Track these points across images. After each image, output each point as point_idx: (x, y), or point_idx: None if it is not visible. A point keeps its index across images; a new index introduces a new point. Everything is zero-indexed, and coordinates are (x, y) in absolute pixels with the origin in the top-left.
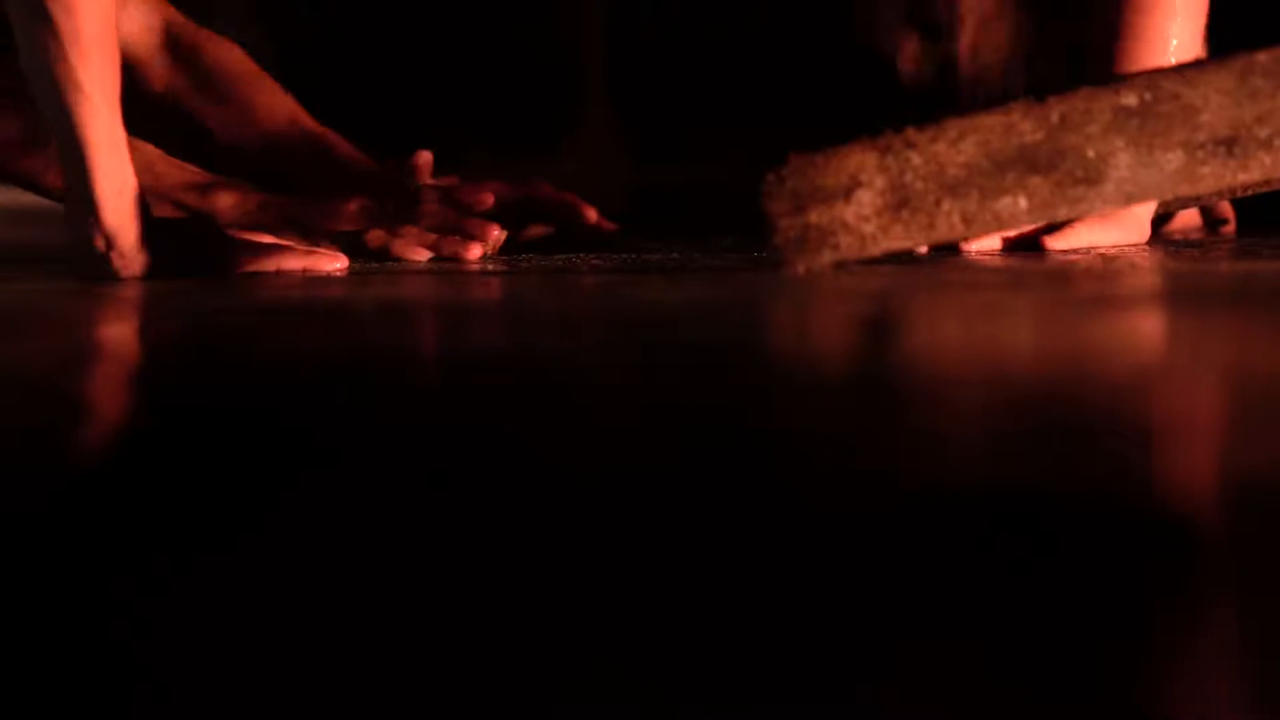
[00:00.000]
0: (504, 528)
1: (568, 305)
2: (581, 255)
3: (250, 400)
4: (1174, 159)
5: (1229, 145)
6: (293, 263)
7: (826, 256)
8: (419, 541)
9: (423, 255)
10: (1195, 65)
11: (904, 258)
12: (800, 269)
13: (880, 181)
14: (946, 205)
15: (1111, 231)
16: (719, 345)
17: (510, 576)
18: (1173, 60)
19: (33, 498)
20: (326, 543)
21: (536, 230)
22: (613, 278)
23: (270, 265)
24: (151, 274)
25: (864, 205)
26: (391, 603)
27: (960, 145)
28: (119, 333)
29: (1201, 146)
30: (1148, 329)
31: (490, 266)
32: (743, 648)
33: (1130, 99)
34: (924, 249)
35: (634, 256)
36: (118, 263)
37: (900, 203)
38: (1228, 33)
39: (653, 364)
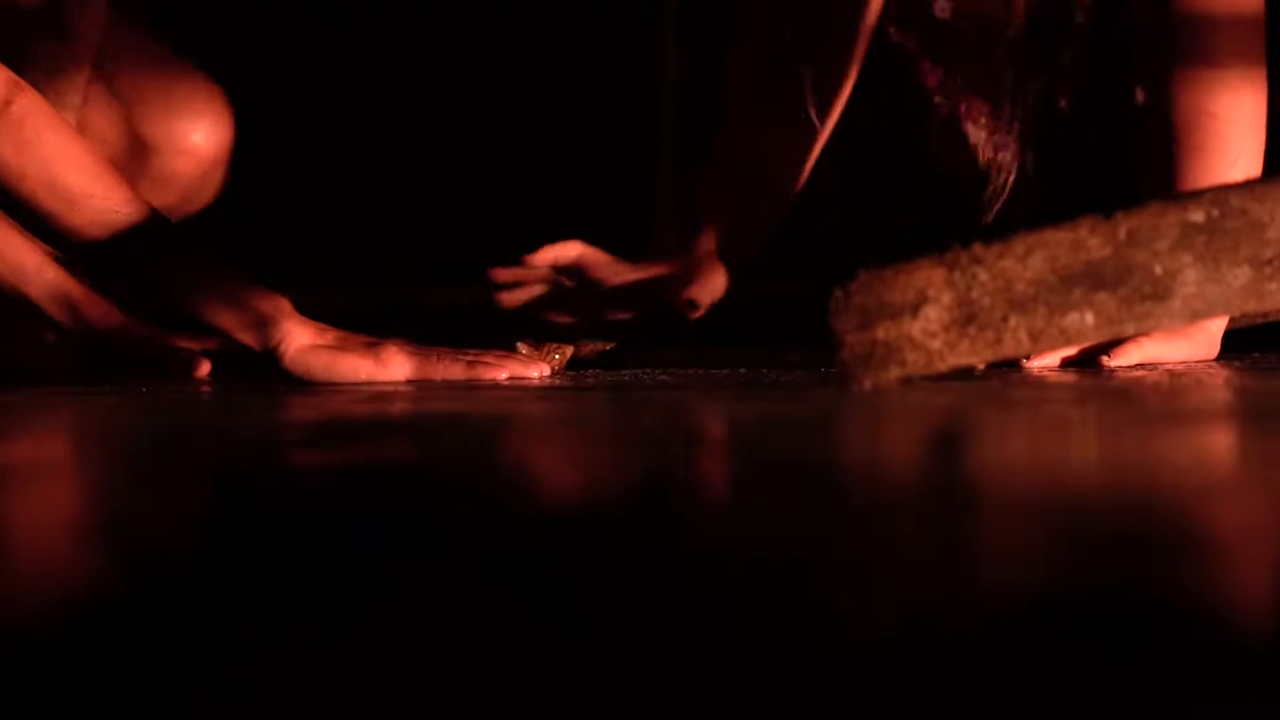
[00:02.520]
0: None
1: (642, 422)
2: (648, 370)
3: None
4: (1241, 275)
5: None
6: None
7: (893, 372)
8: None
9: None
10: (1263, 181)
11: (968, 374)
12: (867, 385)
13: (947, 297)
14: (1013, 321)
15: (1180, 347)
16: (796, 463)
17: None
18: None
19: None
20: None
21: (598, 346)
22: (679, 394)
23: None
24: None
25: (931, 321)
26: None
27: (1027, 261)
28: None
29: (1269, 263)
30: (1216, 445)
31: (556, 382)
32: None
33: (1198, 215)
34: (982, 365)
35: (700, 371)
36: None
37: (967, 319)
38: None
39: (743, 483)
